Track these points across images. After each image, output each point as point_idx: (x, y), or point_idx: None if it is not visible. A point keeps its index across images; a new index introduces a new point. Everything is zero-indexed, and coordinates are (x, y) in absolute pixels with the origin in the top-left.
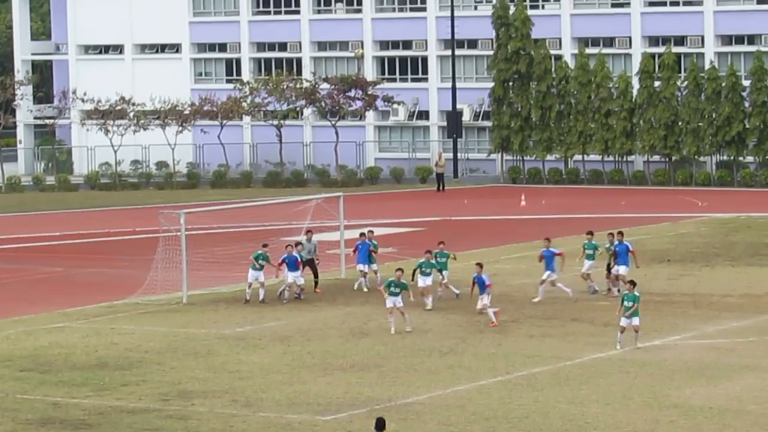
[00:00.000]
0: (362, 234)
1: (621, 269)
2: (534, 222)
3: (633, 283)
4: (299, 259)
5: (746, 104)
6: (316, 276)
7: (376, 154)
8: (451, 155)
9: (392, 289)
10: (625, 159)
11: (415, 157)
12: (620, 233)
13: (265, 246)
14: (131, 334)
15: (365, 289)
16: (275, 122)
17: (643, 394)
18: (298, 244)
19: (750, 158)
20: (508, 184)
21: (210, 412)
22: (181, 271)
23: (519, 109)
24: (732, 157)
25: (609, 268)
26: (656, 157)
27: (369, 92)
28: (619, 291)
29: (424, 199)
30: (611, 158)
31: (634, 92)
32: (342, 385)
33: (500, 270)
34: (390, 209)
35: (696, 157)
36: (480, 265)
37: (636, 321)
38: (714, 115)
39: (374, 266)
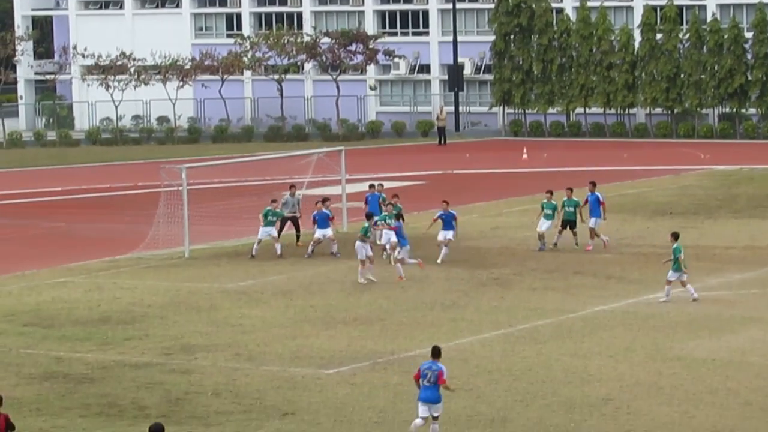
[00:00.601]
0: (372, 186)
1: (592, 222)
2: (536, 175)
3: (676, 236)
4: (330, 216)
5: (749, 56)
6: (297, 230)
7: (378, 108)
8: (452, 109)
9: (368, 234)
10: (627, 112)
11: (417, 111)
12: (592, 183)
13: (273, 202)
14: (134, 289)
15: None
16: (276, 77)
17: (646, 346)
18: (325, 200)
19: (752, 110)
20: (509, 137)
21: (213, 366)
22: (183, 225)
23: (520, 63)
24: (734, 110)
25: (563, 225)
26: (658, 110)
27: (370, 46)
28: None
29: (425, 153)
30: (613, 111)
31: (636, 45)
32: (345, 338)
33: (502, 223)
34: (391, 163)
35: (698, 109)
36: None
37: (683, 275)
38: (716, 68)
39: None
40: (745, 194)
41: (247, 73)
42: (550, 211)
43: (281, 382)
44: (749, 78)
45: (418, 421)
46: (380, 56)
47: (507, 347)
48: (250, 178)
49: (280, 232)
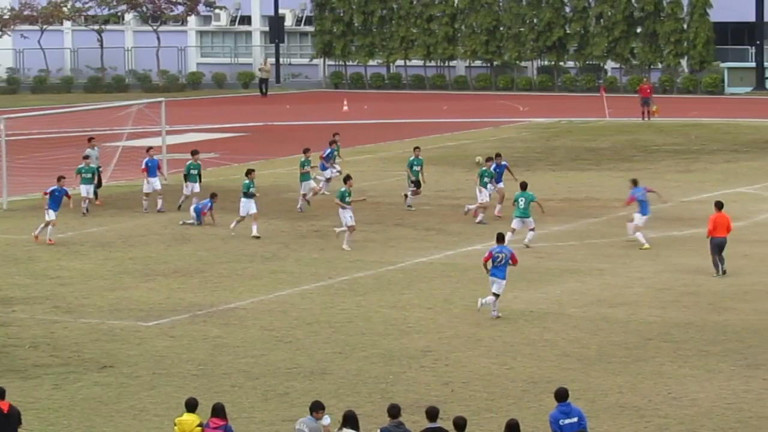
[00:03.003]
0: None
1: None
2: (357, 127)
3: (524, 185)
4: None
5: (567, 10)
6: (98, 186)
7: (198, 59)
8: (273, 61)
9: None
10: (447, 64)
11: (237, 63)
12: (492, 158)
13: (86, 158)
14: None
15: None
16: (96, 27)
17: (465, 298)
18: (149, 149)
19: (570, 63)
20: (330, 89)
21: (31, 319)
22: (2, 177)
23: (341, 15)
24: (553, 63)
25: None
26: (478, 63)
27: None
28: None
29: (246, 104)
30: (433, 63)
31: None
32: (164, 290)
33: (322, 175)
34: (212, 114)
35: (517, 62)
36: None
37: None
38: (535, 21)
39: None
40: (563, 146)
41: (67, 24)
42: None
43: (100, 335)
44: (568, 31)
45: (489, 298)
46: (201, 7)
47: (327, 299)
48: (70, 129)
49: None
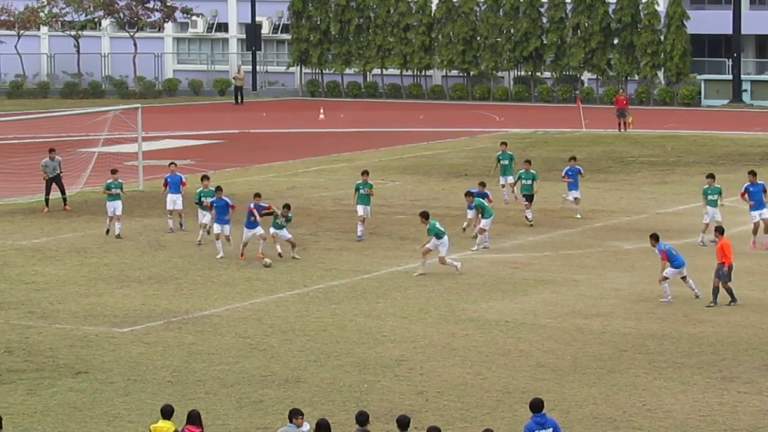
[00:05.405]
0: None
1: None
2: (332, 135)
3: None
4: (182, 180)
5: (544, 20)
6: (63, 193)
7: (175, 66)
8: (249, 68)
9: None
10: (423, 73)
11: (214, 70)
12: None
13: (114, 172)
14: None
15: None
16: (73, 33)
17: (440, 307)
18: (171, 164)
19: (547, 74)
20: (306, 97)
21: (6, 324)
22: None
23: (318, 23)
24: (529, 73)
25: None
26: (454, 72)
27: (168, 4)
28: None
29: (222, 112)
30: (410, 73)
31: (433, 7)
32: (139, 297)
33: (298, 183)
34: (188, 121)
35: (494, 72)
36: None
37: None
38: (512, 31)
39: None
40: (539, 157)
41: (44, 29)
42: (365, 191)
43: (74, 341)
44: (544, 41)
45: (690, 289)
46: (178, 14)
47: (302, 307)
48: (46, 135)
49: (47, 195)
